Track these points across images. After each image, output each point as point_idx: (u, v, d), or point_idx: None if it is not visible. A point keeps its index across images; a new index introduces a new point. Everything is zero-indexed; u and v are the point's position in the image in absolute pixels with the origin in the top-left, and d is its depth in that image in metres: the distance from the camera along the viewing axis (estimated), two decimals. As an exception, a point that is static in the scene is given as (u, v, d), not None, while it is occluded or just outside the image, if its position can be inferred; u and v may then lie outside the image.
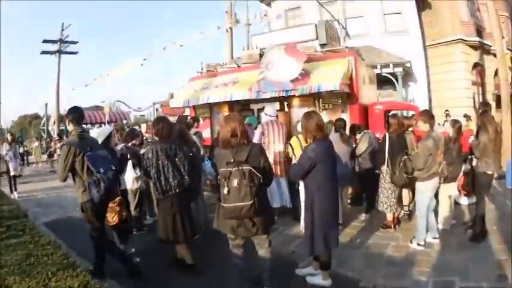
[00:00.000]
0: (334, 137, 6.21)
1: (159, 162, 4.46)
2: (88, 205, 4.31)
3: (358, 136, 7.17)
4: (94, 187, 4.14)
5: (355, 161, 7.03)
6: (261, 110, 9.14)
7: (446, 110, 15.72)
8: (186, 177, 4.56)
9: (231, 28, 18.68)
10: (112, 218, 4.53)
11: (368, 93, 9.55)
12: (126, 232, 5.24)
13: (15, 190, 11.42)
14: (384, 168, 6.12)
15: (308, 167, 3.93)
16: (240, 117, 3.81)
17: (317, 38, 9.99)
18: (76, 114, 4.56)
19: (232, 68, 10.46)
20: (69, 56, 27.87)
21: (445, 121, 15.04)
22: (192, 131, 7.62)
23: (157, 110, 29.03)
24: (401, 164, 5.66)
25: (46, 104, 31.41)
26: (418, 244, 5.29)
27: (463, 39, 19.54)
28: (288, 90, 7.85)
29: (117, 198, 4.59)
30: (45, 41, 26.06)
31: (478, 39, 20.02)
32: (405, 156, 5.67)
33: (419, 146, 5.34)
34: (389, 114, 7.46)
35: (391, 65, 17.12)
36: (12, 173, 11.30)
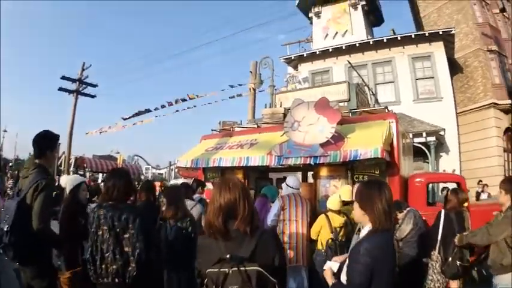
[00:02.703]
0: None
1: (99, 233, 3.24)
2: None
3: (400, 215, 5.76)
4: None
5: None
6: (281, 180, 8.01)
7: (480, 181, 14.31)
8: (132, 264, 3.21)
9: (254, 89, 17.68)
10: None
11: (407, 164, 8.18)
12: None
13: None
14: (435, 254, 4.92)
15: (365, 281, 2.32)
16: (243, 184, 2.53)
17: (349, 100, 8.79)
18: None
19: (250, 128, 9.20)
20: (85, 98, 26.90)
21: (481, 191, 13.59)
22: (196, 196, 6.61)
23: (172, 170, 28.36)
24: (455, 249, 4.79)
25: (59, 144, 30.06)
26: None
27: (495, 103, 18.45)
28: (317, 157, 6.44)
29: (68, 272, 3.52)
30: (63, 78, 25.05)
31: (510, 101, 18.90)
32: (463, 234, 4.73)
33: (502, 222, 4.12)
34: (449, 189, 6.15)
35: (424, 134, 15.74)
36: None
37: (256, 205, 5.21)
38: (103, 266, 3.19)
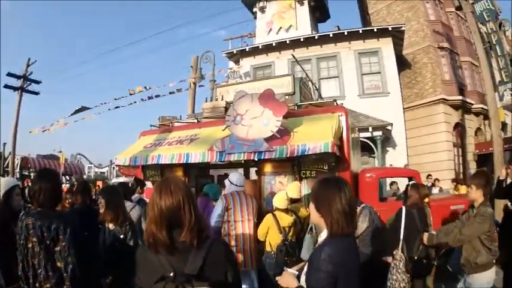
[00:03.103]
0: None
1: (29, 245, 2.79)
2: None
3: (354, 212, 5.33)
4: None
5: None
6: (222, 177, 7.64)
7: (430, 175, 14.47)
8: (67, 283, 2.78)
9: (194, 83, 17.56)
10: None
11: (355, 159, 7.83)
12: None
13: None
14: (398, 253, 4.60)
15: None
16: (186, 185, 2.14)
17: (294, 93, 8.38)
18: None
19: (190, 123, 8.59)
20: (29, 96, 25.59)
21: (432, 186, 13.65)
22: (134, 197, 6.25)
23: (113, 168, 27.51)
24: (420, 247, 4.68)
25: (4, 144, 28.63)
26: None
27: (444, 99, 18.98)
28: (261, 152, 5.90)
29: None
30: (9, 74, 23.76)
31: (460, 97, 19.58)
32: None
33: (475, 222, 3.95)
34: (409, 184, 5.83)
35: (370, 128, 15.67)
36: None
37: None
38: (37, 285, 2.76)
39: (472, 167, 20.48)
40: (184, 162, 6.73)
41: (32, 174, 25.55)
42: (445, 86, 19.40)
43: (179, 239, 1.92)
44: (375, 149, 16.02)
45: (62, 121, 22.06)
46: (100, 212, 4.16)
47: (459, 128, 20.33)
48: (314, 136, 5.77)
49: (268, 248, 5.18)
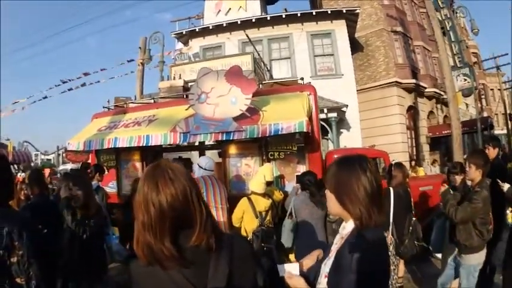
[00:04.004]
0: (302, 197, 4.89)
1: None
2: None
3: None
4: None
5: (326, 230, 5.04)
6: (177, 160, 7.20)
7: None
8: None
9: (142, 64, 16.94)
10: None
11: (319, 140, 7.59)
12: None
13: None
14: (389, 236, 4.57)
15: None
16: (187, 170, 1.58)
17: (254, 72, 8.00)
18: None
19: (146, 103, 8.03)
20: None
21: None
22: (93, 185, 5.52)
23: (59, 155, 26.16)
24: (410, 228, 4.69)
25: None
26: None
27: (398, 82, 19.23)
28: (230, 132, 5.49)
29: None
30: None
31: (414, 81, 19.96)
32: (414, 218, 4.76)
33: (476, 200, 3.88)
34: (393, 163, 5.74)
35: (325, 110, 15.55)
36: None
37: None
38: None
39: (425, 150, 21.08)
40: (144, 145, 6.20)
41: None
42: (399, 69, 19.67)
43: (189, 244, 1.39)
44: (329, 131, 15.98)
45: (9, 108, 21.53)
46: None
47: (412, 111, 20.80)
48: (286, 115, 5.46)
49: (243, 234, 4.88)
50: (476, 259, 4.03)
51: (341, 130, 17.30)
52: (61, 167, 28.55)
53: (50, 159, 60.21)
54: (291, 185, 5.88)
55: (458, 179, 4.85)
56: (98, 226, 3.60)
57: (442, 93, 20.68)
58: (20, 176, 10.11)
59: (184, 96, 7.00)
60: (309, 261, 2.09)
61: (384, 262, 1.69)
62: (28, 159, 29.32)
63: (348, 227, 1.76)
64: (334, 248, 1.81)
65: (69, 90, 20.17)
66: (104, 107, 8.43)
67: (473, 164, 4.05)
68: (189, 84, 7.43)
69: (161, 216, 1.36)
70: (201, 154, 8.07)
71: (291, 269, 1.98)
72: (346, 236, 1.74)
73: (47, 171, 14.74)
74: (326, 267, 1.78)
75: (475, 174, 4.03)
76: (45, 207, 3.94)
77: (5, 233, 2.09)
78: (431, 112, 22.40)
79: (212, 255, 1.40)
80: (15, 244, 2.11)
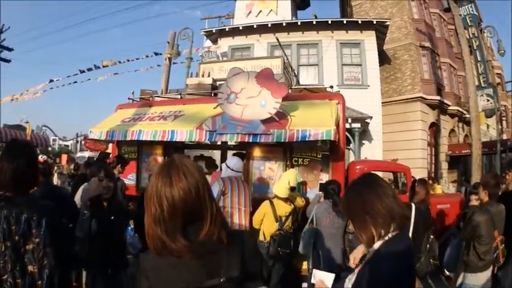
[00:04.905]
0: (324, 206, 4.85)
1: None
2: None
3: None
4: None
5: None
6: (198, 157, 7.42)
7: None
8: None
9: (170, 58, 16.83)
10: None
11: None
12: None
13: None
14: None
15: None
16: (200, 166, 1.62)
17: (284, 76, 7.96)
18: None
19: (173, 99, 8.05)
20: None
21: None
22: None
23: (77, 142, 26.43)
24: (428, 245, 4.66)
25: None
26: None
27: (422, 98, 18.98)
28: (257, 135, 5.48)
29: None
30: None
31: (438, 98, 19.66)
32: (432, 236, 4.74)
33: (473, 220, 3.95)
34: (416, 179, 5.74)
35: (349, 120, 15.25)
36: None
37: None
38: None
39: (444, 167, 20.74)
40: (169, 140, 6.22)
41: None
42: (424, 85, 19.42)
43: (199, 237, 1.41)
44: (352, 141, 15.76)
45: (31, 90, 20.62)
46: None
47: (434, 128, 20.48)
48: (314, 122, 5.43)
49: (261, 237, 4.90)
50: (477, 280, 4.00)
51: (363, 141, 17.11)
52: (78, 154, 28.84)
53: (67, 145, 61.02)
54: (312, 191, 5.84)
55: (474, 199, 4.93)
56: (120, 219, 3.54)
57: (465, 112, 20.42)
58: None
59: (212, 95, 7.00)
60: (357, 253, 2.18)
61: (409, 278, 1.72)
62: (46, 144, 29.76)
63: (375, 245, 1.72)
64: (361, 265, 1.80)
65: (88, 80, 20.04)
66: (129, 99, 8.45)
67: (482, 185, 4.17)
68: (218, 82, 7.40)
69: (173, 210, 1.39)
70: (223, 153, 8.07)
71: (325, 278, 1.95)
72: (371, 254, 1.72)
73: (64, 157, 14.91)
74: (349, 282, 1.78)
75: (481, 194, 4.14)
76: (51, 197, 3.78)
77: (23, 220, 2.06)
78: (452, 130, 22.07)
79: (223, 247, 1.43)
80: (32, 232, 2.08)
